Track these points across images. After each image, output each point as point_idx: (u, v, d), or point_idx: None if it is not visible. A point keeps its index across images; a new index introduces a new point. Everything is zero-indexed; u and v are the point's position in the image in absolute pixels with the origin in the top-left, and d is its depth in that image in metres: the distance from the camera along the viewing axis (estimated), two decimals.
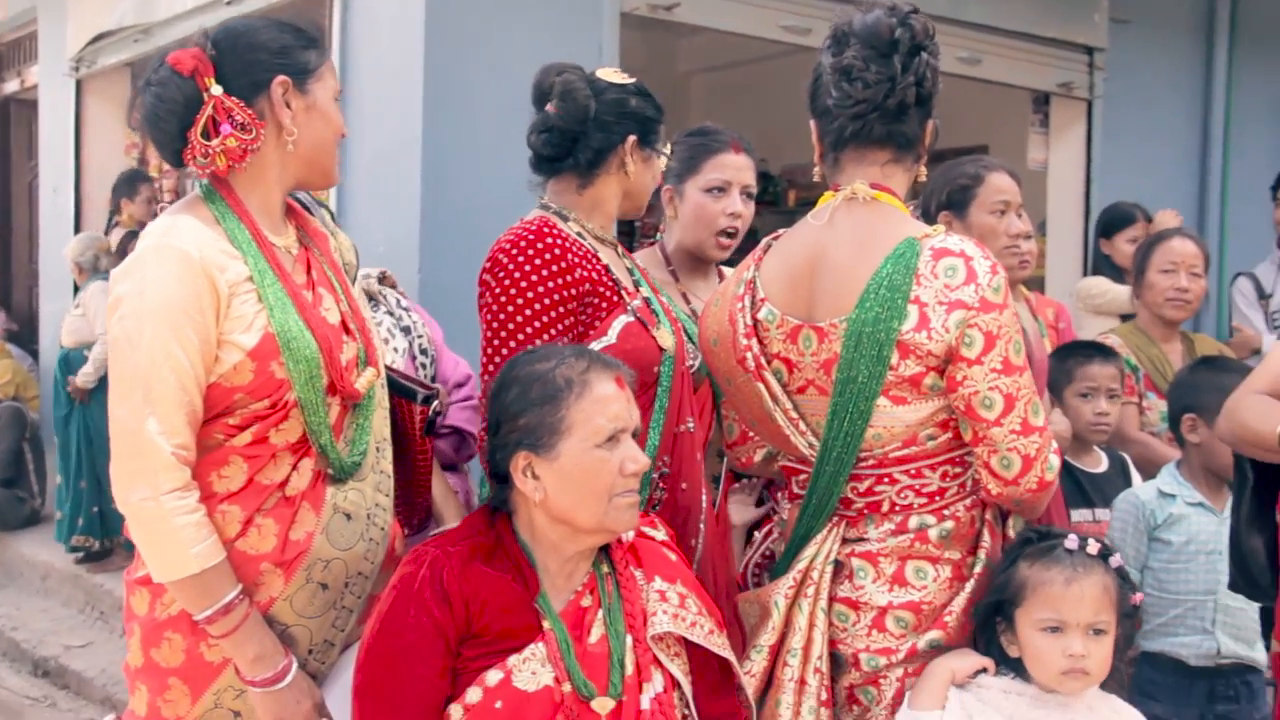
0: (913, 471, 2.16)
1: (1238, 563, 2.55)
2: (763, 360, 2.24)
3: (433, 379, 2.92)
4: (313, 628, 2.11)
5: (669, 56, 7.80)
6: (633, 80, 2.52)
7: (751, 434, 2.42)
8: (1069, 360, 3.36)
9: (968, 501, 2.19)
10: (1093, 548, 2.11)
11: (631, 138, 2.47)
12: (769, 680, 2.19)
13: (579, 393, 2.00)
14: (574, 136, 2.46)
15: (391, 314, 2.94)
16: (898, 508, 2.17)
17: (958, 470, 2.18)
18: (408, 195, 4.39)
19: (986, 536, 2.20)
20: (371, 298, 2.94)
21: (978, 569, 2.17)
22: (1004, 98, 6.38)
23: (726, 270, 2.99)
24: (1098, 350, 3.41)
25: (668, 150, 2.53)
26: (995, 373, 2.06)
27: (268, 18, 2.21)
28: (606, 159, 2.48)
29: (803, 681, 2.16)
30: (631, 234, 6.47)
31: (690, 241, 2.91)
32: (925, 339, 2.06)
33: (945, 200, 3.11)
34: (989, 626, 2.14)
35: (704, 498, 2.54)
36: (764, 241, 2.37)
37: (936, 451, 2.16)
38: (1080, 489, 3.30)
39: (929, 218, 3.18)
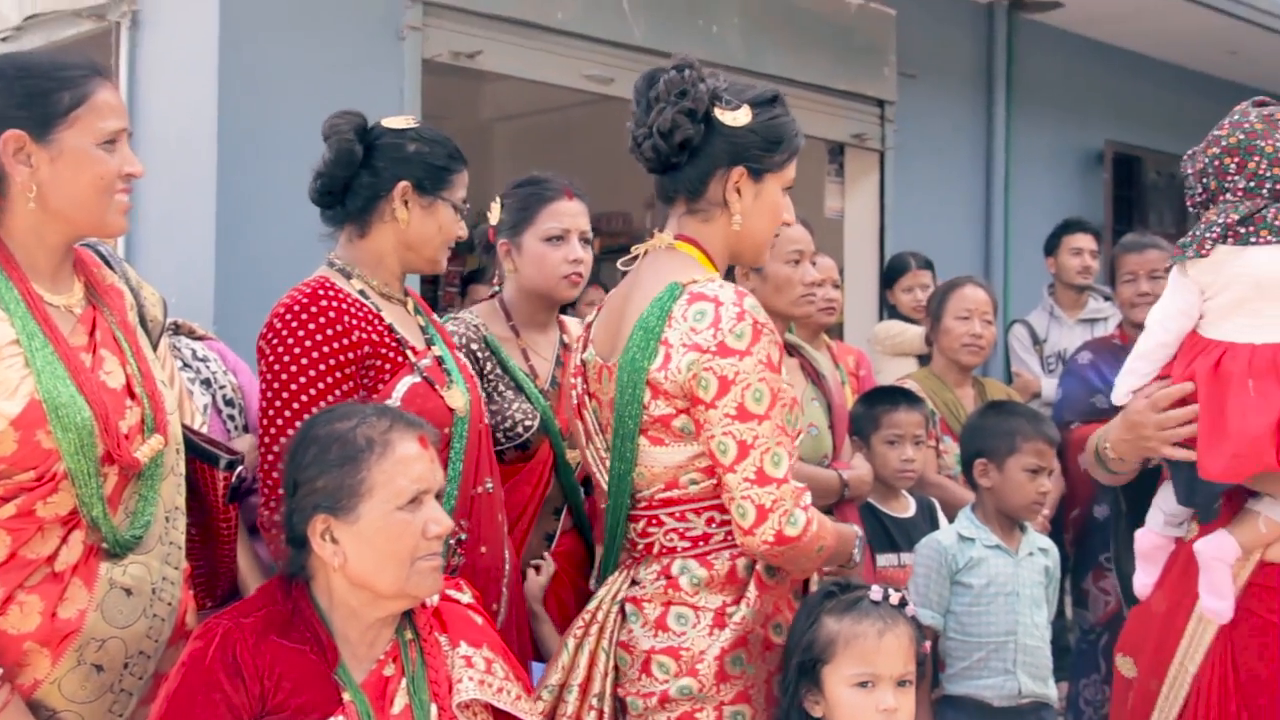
0: (677, 515, 2.17)
1: (1123, 584, 2.66)
2: (585, 399, 2.28)
3: (245, 428, 2.79)
4: (85, 713, 1.95)
5: (472, 103, 7.75)
6: (415, 126, 2.44)
7: None
8: (875, 407, 3.42)
9: (733, 550, 2.18)
10: (894, 598, 2.12)
11: (403, 184, 2.37)
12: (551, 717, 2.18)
13: (380, 453, 1.93)
14: (344, 183, 2.39)
15: (189, 366, 2.79)
16: (664, 550, 2.18)
17: (724, 518, 2.17)
18: (201, 241, 4.22)
19: (753, 587, 2.17)
20: None
21: (737, 618, 2.15)
22: (803, 148, 6.55)
23: (569, 321, 3.00)
24: (903, 397, 3.48)
25: (458, 198, 2.44)
26: (729, 418, 2.07)
27: (19, 57, 2.07)
28: (377, 206, 2.39)
29: (577, 718, 2.15)
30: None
31: (540, 289, 2.87)
32: (663, 378, 2.09)
33: None
34: (794, 688, 2.11)
35: (506, 560, 2.50)
36: (615, 290, 2.40)
37: (700, 496, 2.16)
38: (886, 533, 3.36)
39: (729, 272, 3.22)
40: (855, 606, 2.10)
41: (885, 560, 3.30)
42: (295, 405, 2.24)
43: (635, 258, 2.30)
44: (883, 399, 3.47)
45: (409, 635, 2.02)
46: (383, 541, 1.92)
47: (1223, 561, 2.24)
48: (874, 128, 6.30)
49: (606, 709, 2.16)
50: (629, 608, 2.19)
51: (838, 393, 3.26)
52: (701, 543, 2.17)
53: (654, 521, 2.19)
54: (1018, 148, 6.82)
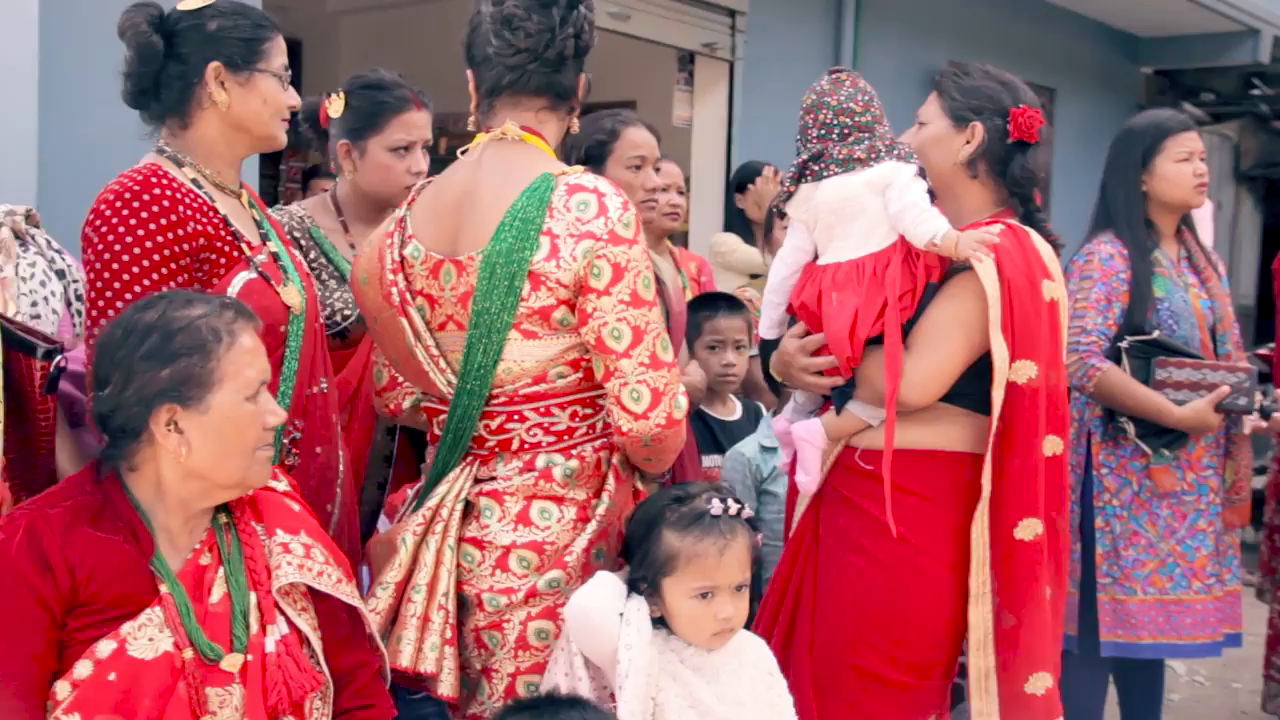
0: (542, 409, 2.19)
1: None
2: (407, 296, 2.24)
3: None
4: None
5: None
6: (212, 2, 2.30)
7: (400, 379, 2.41)
8: (698, 313, 3.49)
9: (596, 443, 2.24)
10: (733, 509, 2.16)
11: (213, 65, 2.26)
12: (394, 618, 2.19)
13: (229, 344, 1.92)
14: (153, 79, 2.28)
15: (43, 255, 2.66)
16: (527, 446, 2.20)
17: (587, 411, 2.23)
18: (22, 131, 4.01)
19: (612, 480, 2.25)
20: (19, 238, 2.65)
21: (601, 510, 2.22)
22: (652, 55, 6.53)
23: None
24: (725, 302, 3.55)
25: (277, 66, 2.33)
26: (624, 304, 2.12)
27: None
28: (193, 94, 2.29)
29: (426, 619, 2.16)
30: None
31: (380, 196, 2.88)
32: (555, 268, 2.11)
33: (584, 155, 3.18)
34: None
35: (341, 461, 2.48)
36: (419, 184, 2.38)
37: (566, 390, 2.20)
38: (712, 435, 3.44)
39: None
40: (697, 522, 2.13)
41: (710, 461, 3.39)
42: (127, 297, 2.15)
43: (474, 149, 2.27)
44: (704, 305, 3.53)
45: (224, 519, 2.01)
46: (230, 431, 1.91)
47: (811, 444, 2.51)
48: (724, 37, 6.32)
49: (450, 606, 2.17)
50: (485, 502, 2.20)
51: (677, 299, 3.31)
52: (566, 436, 2.21)
53: (515, 417, 2.19)
54: (865, 64, 6.92)
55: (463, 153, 2.29)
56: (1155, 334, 3.44)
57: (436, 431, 2.29)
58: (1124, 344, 3.44)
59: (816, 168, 2.47)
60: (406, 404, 2.45)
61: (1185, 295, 3.51)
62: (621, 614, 2.09)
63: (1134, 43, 9.46)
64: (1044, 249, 2.51)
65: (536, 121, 2.26)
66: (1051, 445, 2.49)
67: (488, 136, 2.26)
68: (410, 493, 2.39)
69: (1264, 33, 8.92)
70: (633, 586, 2.16)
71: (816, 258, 2.55)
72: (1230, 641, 3.54)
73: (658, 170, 3.23)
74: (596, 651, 2.09)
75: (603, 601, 2.09)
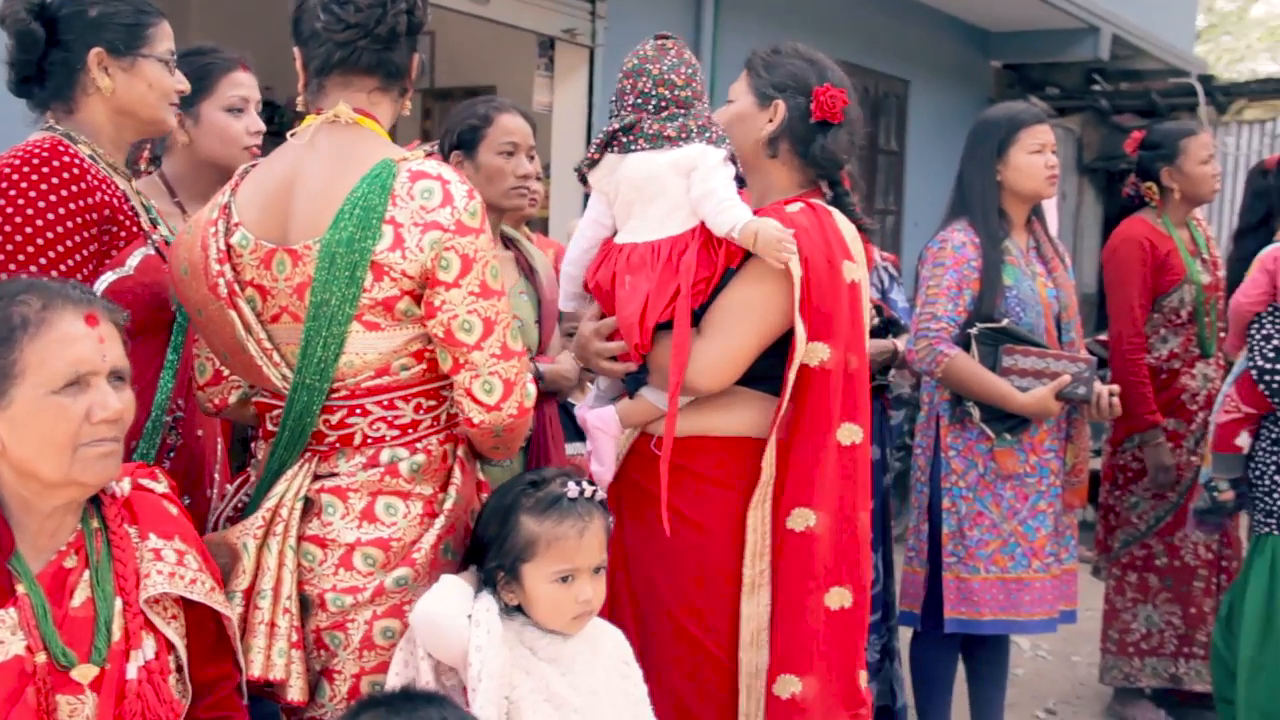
0: (385, 403, 2.13)
1: None
2: (236, 287, 2.13)
3: None
4: None
5: None
6: None
7: (226, 373, 2.30)
8: None
9: (441, 436, 2.18)
10: (588, 491, 2.16)
11: (95, 51, 2.25)
12: (244, 626, 2.10)
13: (34, 333, 1.80)
14: (36, 66, 2.25)
15: None
16: (370, 440, 2.13)
17: (432, 403, 2.17)
18: None
19: (458, 473, 2.20)
20: None
21: (448, 505, 2.17)
22: (512, 40, 6.49)
23: None
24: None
25: (161, 50, 2.31)
26: (474, 296, 2.08)
27: None
28: (77, 80, 2.27)
29: (273, 624, 2.08)
30: None
31: (221, 160, 2.80)
32: (400, 259, 2.04)
33: (456, 140, 3.15)
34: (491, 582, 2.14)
35: (219, 445, 2.42)
36: (242, 167, 2.27)
37: (410, 383, 2.14)
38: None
39: (445, 156, 3.21)
40: (554, 506, 2.12)
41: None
42: (33, 269, 2.08)
43: (303, 132, 2.17)
44: None
45: (95, 525, 1.92)
46: (37, 427, 1.80)
47: (605, 432, 2.50)
48: (585, 23, 6.30)
49: (294, 609, 2.10)
50: (327, 499, 2.12)
51: (550, 288, 3.29)
52: (410, 430, 2.15)
53: (357, 411, 2.12)
54: (724, 54, 6.97)
55: (291, 135, 2.18)
56: (1004, 322, 3.55)
57: (270, 427, 2.19)
58: (973, 331, 3.54)
59: (625, 139, 2.41)
60: (233, 399, 2.32)
61: (1033, 284, 3.63)
62: (470, 615, 2.05)
63: (985, 37, 9.73)
64: (847, 230, 2.48)
65: (369, 103, 2.17)
66: (849, 434, 2.43)
67: (319, 119, 2.16)
68: (230, 488, 2.32)
69: (1104, 31, 9.26)
70: (488, 578, 2.13)
71: (615, 233, 2.51)
72: (1066, 618, 3.68)
73: (531, 158, 3.22)
74: (447, 655, 2.06)
75: (449, 605, 2.05)
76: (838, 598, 2.42)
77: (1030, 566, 3.57)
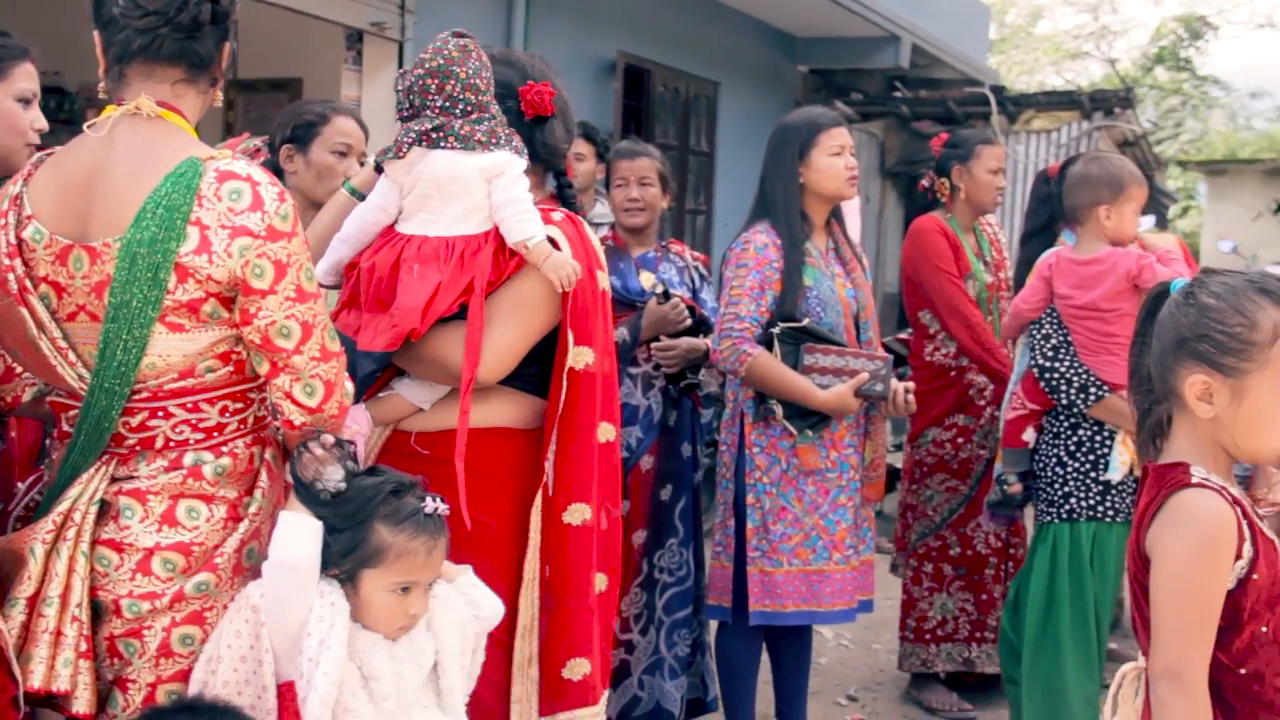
0: (190, 405, 2.07)
1: None
2: (28, 283, 2.04)
3: None
4: None
5: None
6: None
7: (18, 369, 2.21)
8: None
9: (248, 439, 2.14)
10: (441, 509, 2.16)
11: None
12: (26, 635, 2.00)
13: None
14: None
15: None
16: (172, 444, 2.07)
17: (239, 406, 2.13)
18: None
19: (265, 476, 2.16)
20: None
21: (253, 509, 2.13)
22: (319, 32, 6.35)
23: None
24: None
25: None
26: (290, 301, 2.05)
27: None
28: None
29: (59, 633, 1.99)
30: None
31: (3, 153, 2.65)
32: (206, 263, 1.98)
33: (290, 134, 3.14)
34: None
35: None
36: (36, 157, 2.17)
37: (216, 385, 2.09)
38: None
39: (274, 149, 3.17)
40: (411, 519, 2.11)
41: None
42: None
43: (103, 123, 2.07)
44: None
45: None
46: None
47: (358, 434, 2.48)
48: (393, 17, 6.21)
49: (85, 617, 2.01)
50: (125, 501, 2.04)
51: None
52: (216, 433, 2.09)
53: (159, 414, 2.05)
54: (535, 51, 6.97)
55: (89, 126, 2.08)
56: (805, 321, 3.65)
57: (66, 428, 2.11)
58: (776, 330, 3.63)
59: (435, 136, 2.42)
60: (27, 396, 2.26)
61: (832, 284, 3.74)
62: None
63: (792, 42, 9.97)
64: (595, 240, 2.60)
65: (173, 95, 2.09)
66: (604, 432, 2.57)
67: (119, 110, 2.08)
68: (21, 487, 2.23)
69: (904, 40, 9.60)
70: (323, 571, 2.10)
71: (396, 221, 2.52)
72: (863, 607, 3.81)
73: (361, 163, 3.20)
74: (287, 619, 2.02)
75: (308, 551, 2.03)
76: (599, 583, 2.57)
77: (831, 559, 3.68)
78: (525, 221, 2.40)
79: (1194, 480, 1.95)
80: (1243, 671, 1.94)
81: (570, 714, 2.55)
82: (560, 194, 2.69)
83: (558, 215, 2.53)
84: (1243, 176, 19.03)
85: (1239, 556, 1.92)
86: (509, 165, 2.43)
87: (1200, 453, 1.99)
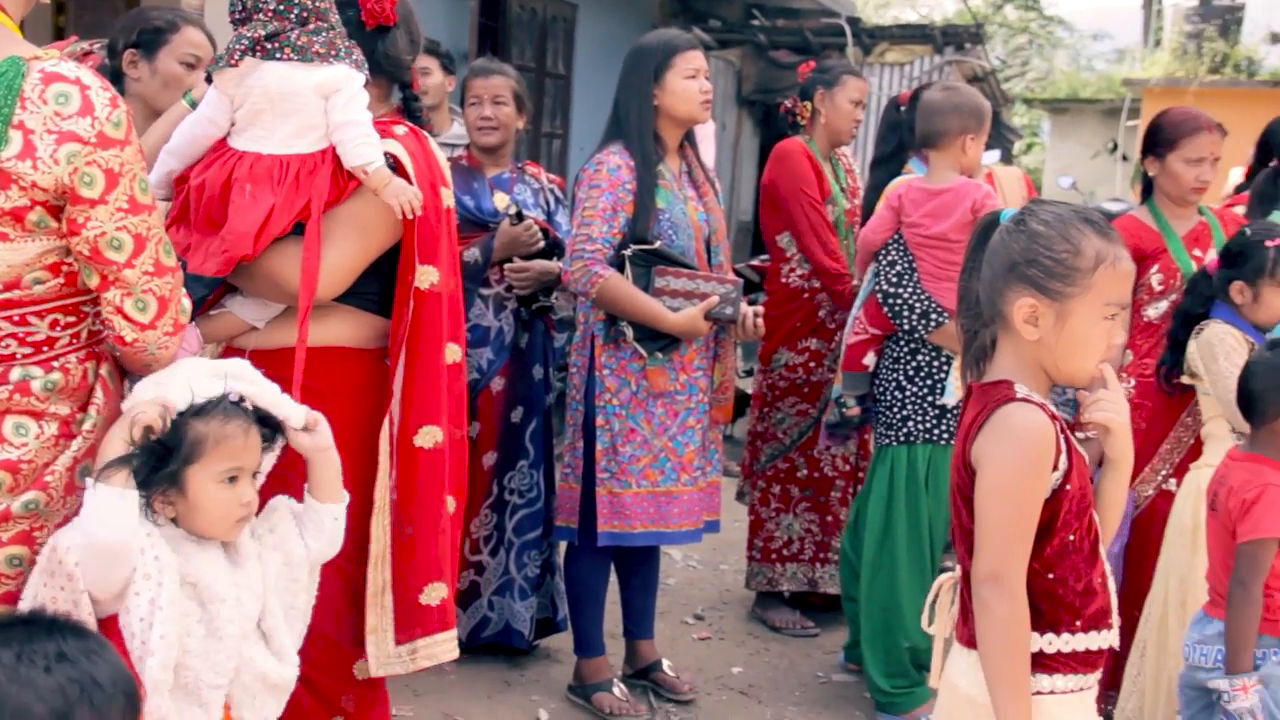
0: (16, 319, 1.97)
1: None
2: None
3: None
4: None
5: None
6: None
7: None
8: None
9: (81, 354, 2.06)
10: (247, 400, 2.11)
11: None
12: None
13: None
14: None
15: None
16: None
17: (71, 319, 2.04)
18: None
19: (100, 393, 2.08)
20: None
21: (87, 426, 2.05)
22: None
23: None
24: None
25: None
26: (122, 212, 1.96)
27: None
28: None
29: None
30: None
31: None
32: (30, 169, 1.88)
33: (135, 39, 3.02)
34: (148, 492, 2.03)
35: None
36: None
37: (45, 297, 2.00)
38: None
39: (114, 53, 3.02)
40: (219, 407, 2.06)
41: None
42: None
43: None
44: None
45: None
46: None
47: (187, 353, 2.40)
48: None
49: None
50: None
51: None
52: (46, 347, 2.00)
53: None
54: None
55: None
56: (657, 244, 3.66)
57: None
58: (627, 252, 3.63)
59: (269, 46, 2.34)
60: None
61: (684, 208, 3.76)
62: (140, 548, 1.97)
63: None
64: (440, 155, 2.55)
65: None
66: (452, 353, 2.55)
67: None
68: None
69: None
70: (145, 490, 2.02)
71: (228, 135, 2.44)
72: (710, 528, 3.88)
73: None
74: (108, 585, 1.95)
75: (121, 525, 1.94)
76: (449, 505, 2.56)
77: (679, 480, 3.73)
78: (364, 144, 2.35)
79: (1018, 396, 2.04)
80: (1050, 576, 2.05)
81: (430, 639, 2.55)
82: (406, 107, 2.63)
83: (400, 130, 2.47)
84: (1083, 115, 19.63)
85: (1055, 468, 2.03)
86: (347, 82, 2.36)
87: (1023, 373, 2.08)
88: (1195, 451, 3.57)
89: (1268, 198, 4.06)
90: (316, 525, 2.24)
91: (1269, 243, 3.33)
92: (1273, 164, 4.15)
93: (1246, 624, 2.77)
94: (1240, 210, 4.15)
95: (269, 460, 2.18)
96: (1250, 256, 3.36)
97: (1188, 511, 3.41)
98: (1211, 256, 3.60)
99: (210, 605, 2.05)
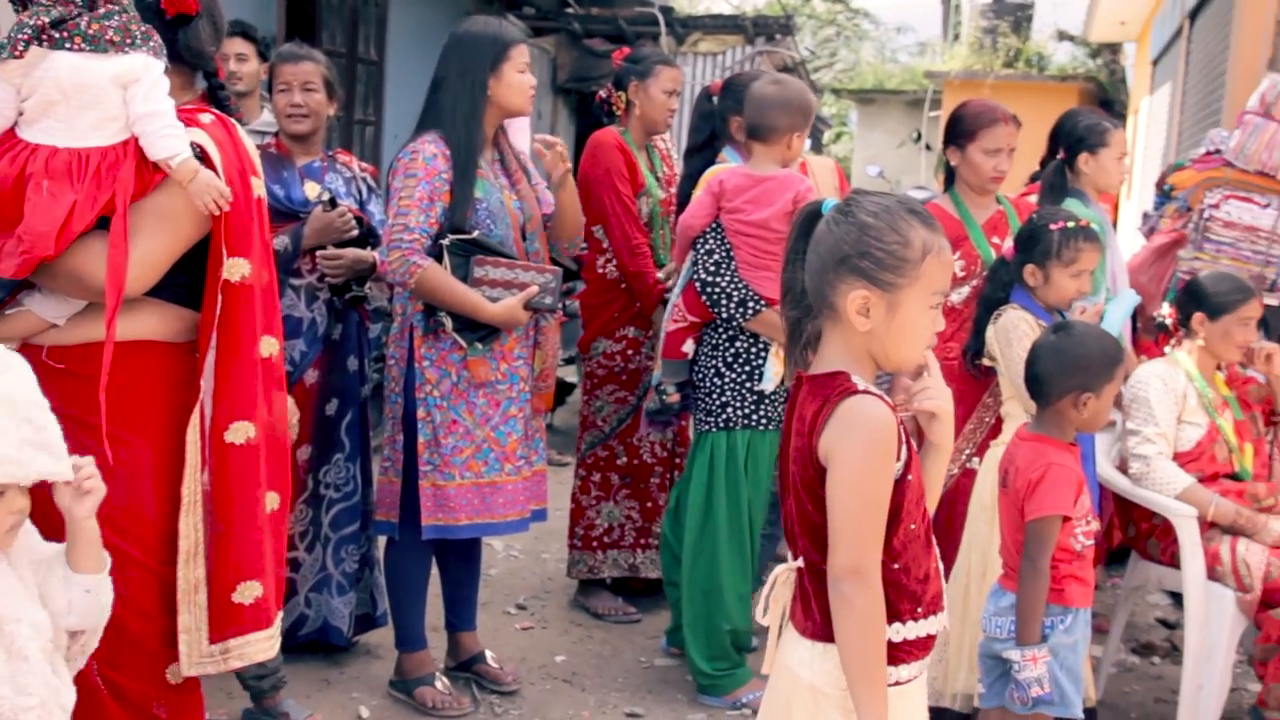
0: None
1: None
2: None
3: None
4: None
5: None
6: None
7: None
8: None
9: None
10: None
11: None
12: None
13: None
14: None
15: None
16: None
17: None
18: None
19: None
20: None
21: None
22: None
23: None
24: None
25: None
26: None
27: None
28: None
29: None
30: None
31: None
32: None
33: None
34: None
35: None
36: None
37: None
38: None
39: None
40: None
41: None
42: None
43: None
44: None
45: None
46: None
47: None
48: None
49: None
50: None
51: None
52: None
53: None
54: None
55: None
56: (475, 233, 3.63)
57: None
58: (445, 242, 3.59)
59: (57, 36, 2.23)
60: None
61: (501, 197, 3.73)
62: None
63: None
64: (249, 144, 2.50)
65: None
66: (267, 346, 2.51)
67: None
68: None
69: None
70: None
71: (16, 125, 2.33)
72: (537, 516, 3.88)
73: None
74: None
75: None
76: (270, 502, 2.52)
77: (503, 470, 3.72)
78: (167, 136, 2.27)
79: (859, 388, 2.03)
80: (896, 566, 2.07)
81: (243, 639, 2.49)
82: (212, 95, 2.53)
83: (206, 118, 2.39)
84: (889, 106, 20.27)
85: (897, 458, 2.03)
86: (146, 70, 2.27)
87: (852, 362, 2.08)
88: (996, 431, 3.73)
89: (1058, 187, 4.27)
90: (64, 584, 2.08)
91: (1053, 226, 3.52)
92: (1061, 155, 4.35)
93: (1035, 598, 2.90)
94: (1034, 199, 4.35)
95: (49, 464, 2.01)
96: (1039, 240, 3.54)
97: (987, 488, 3.56)
98: (1009, 244, 3.77)
99: (6, 627, 1.95)
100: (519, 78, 3.69)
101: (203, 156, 2.35)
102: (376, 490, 3.85)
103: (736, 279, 3.85)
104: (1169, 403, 3.74)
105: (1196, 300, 3.80)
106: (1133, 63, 17.06)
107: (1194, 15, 10.23)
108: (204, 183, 2.29)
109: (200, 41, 2.48)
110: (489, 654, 4.06)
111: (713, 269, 3.87)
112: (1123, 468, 3.89)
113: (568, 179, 3.91)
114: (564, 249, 3.89)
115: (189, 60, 2.48)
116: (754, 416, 3.89)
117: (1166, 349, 3.98)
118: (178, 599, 2.42)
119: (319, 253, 3.78)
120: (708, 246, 3.91)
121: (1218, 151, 5.58)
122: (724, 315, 3.87)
